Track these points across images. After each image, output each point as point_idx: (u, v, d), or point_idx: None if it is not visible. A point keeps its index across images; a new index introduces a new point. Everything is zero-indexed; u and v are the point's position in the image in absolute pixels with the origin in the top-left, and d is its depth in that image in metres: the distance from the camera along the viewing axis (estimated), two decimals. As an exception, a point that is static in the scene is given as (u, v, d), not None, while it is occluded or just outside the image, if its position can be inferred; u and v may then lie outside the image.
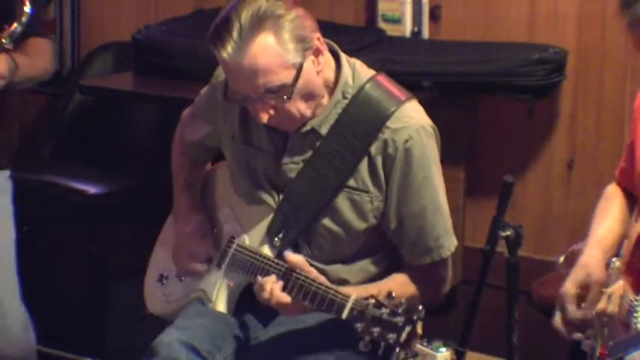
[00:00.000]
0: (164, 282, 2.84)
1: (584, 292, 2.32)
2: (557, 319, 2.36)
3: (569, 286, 2.33)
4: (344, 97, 2.55)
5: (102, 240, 3.81)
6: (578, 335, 2.34)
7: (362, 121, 2.52)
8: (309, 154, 2.56)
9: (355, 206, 2.56)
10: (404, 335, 2.28)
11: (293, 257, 2.49)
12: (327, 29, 3.80)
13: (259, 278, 2.51)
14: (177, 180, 2.85)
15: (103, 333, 3.87)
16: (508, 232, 2.85)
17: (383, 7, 3.97)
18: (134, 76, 4.03)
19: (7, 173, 3.07)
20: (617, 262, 2.34)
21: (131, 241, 3.86)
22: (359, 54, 3.56)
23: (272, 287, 2.47)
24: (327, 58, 2.53)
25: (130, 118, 4.31)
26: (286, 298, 2.46)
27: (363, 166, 2.54)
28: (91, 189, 3.80)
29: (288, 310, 2.50)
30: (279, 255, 2.58)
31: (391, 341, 2.28)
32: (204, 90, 2.79)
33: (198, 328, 2.59)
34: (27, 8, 2.74)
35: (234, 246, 2.66)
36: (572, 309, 2.31)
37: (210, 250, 2.71)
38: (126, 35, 4.11)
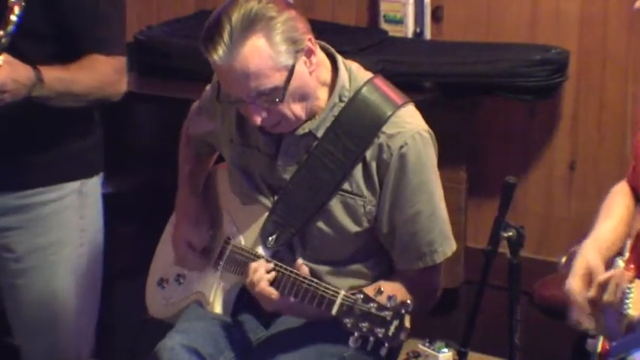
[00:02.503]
0: (164, 286, 2.85)
1: (587, 283, 2.32)
2: (573, 314, 2.34)
3: (572, 280, 2.32)
4: (340, 100, 2.54)
5: (102, 240, 3.81)
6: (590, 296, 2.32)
7: (358, 125, 2.51)
8: (304, 156, 2.56)
9: (348, 210, 2.55)
10: (392, 329, 2.28)
11: (301, 267, 2.48)
12: (330, 30, 3.82)
13: (252, 264, 2.51)
14: (182, 170, 2.86)
15: (104, 333, 3.87)
16: (510, 233, 2.85)
17: (385, 7, 3.98)
18: (136, 77, 4.03)
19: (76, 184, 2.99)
20: (620, 262, 2.34)
21: (132, 241, 3.86)
22: (361, 55, 3.59)
23: (261, 276, 2.47)
24: (322, 59, 2.53)
25: (131, 119, 4.31)
26: (273, 292, 2.46)
27: (358, 170, 2.53)
28: (92, 189, 3.80)
29: (273, 304, 2.50)
30: (274, 255, 2.58)
31: (380, 335, 2.28)
32: (208, 87, 2.80)
33: (200, 331, 2.59)
34: (14, 17, 2.59)
35: (230, 247, 2.67)
36: (582, 296, 2.30)
37: (206, 240, 2.72)
38: (128, 36, 4.10)
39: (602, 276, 2.28)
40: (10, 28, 2.61)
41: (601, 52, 3.72)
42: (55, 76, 2.71)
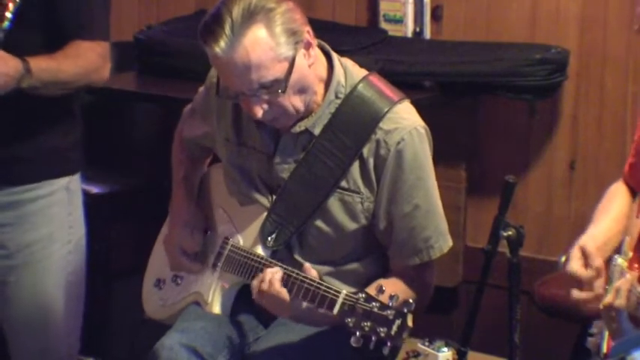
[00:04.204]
0: (161, 287, 2.85)
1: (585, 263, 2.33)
2: (574, 291, 2.33)
3: (571, 263, 2.32)
4: (337, 97, 2.54)
5: (102, 240, 3.80)
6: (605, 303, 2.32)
7: (355, 122, 2.52)
8: (301, 154, 2.56)
9: (346, 207, 2.55)
10: (394, 328, 2.28)
11: (311, 272, 2.47)
12: (329, 29, 3.82)
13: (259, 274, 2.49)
14: (176, 174, 2.86)
15: (104, 333, 3.87)
16: (509, 232, 2.85)
17: (385, 7, 3.98)
18: (136, 76, 4.03)
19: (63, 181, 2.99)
20: (619, 259, 2.35)
21: (131, 241, 3.86)
22: (361, 54, 3.59)
23: (271, 278, 2.46)
24: (319, 55, 2.53)
25: (131, 118, 4.31)
26: (286, 294, 2.45)
27: (355, 167, 2.53)
28: (92, 189, 3.80)
29: (283, 308, 2.49)
30: (273, 255, 2.59)
31: (382, 335, 2.28)
32: (201, 89, 2.80)
33: (199, 330, 2.59)
34: (8, 14, 2.65)
35: (228, 247, 2.67)
36: (583, 271, 2.30)
37: (199, 246, 2.72)
38: (128, 35, 4.11)
39: (616, 283, 2.28)
40: (5, 24, 2.67)
41: (601, 51, 3.72)
42: (42, 66, 2.74)
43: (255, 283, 2.49)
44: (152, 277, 2.88)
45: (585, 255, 2.31)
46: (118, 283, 3.87)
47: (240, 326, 2.66)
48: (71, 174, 2.99)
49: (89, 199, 3.71)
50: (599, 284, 2.30)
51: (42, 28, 2.81)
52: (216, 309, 2.66)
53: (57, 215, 2.97)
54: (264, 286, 2.46)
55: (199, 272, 2.73)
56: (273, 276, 2.46)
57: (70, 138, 2.97)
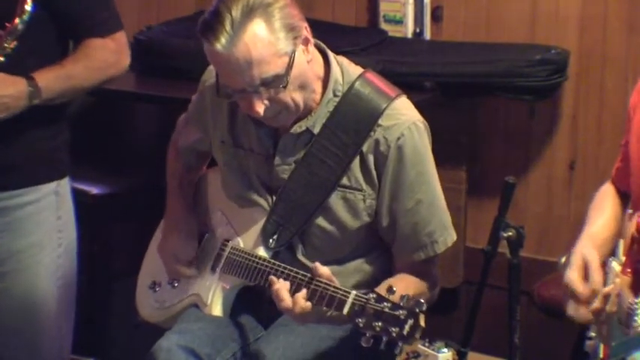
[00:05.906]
0: (156, 289, 2.83)
1: (585, 275, 2.33)
2: (570, 307, 2.34)
3: (571, 272, 2.33)
4: (335, 95, 2.55)
5: (102, 240, 3.80)
6: (593, 308, 2.33)
7: (353, 119, 2.53)
8: (301, 154, 2.56)
9: (348, 205, 2.56)
10: (407, 328, 2.27)
11: (322, 270, 2.44)
12: (329, 30, 3.82)
13: (277, 285, 2.45)
14: (170, 184, 2.85)
15: (103, 333, 3.87)
16: (510, 233, 2.85)
17: (385, 7, 3.98)
18: (136, 77, 4.03)
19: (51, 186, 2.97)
20: (613, 262, 2.35)
21: (131, 241, 3.86)
22: (361, 55, 3.59)
23: (297, 296, 2.43)
24: (315, 53, 2.54)
25: (131, 119, 4.31)
26: (308, 306, 2.43)
27: (356, 164, 2.54)
28: (92, 189, 3.80)
29: (297, 317, 2.47)
30: (275, 256, 2.58)
31: (394, 335, 2.27)
32: (194, 96, 2.80)
33: (197, 332, 2.59)
34: (28, 6, 2.68)
35: (228, 249, 2.66)
36: (581, 288, 2.30)
37: (193, 254, 2.72)
38: (128, 36, 4.09)
39: (605, 288, 2.28)
40: (26, 16, 2.69)
41: (601, 52, 3.72)
42: (50, 77, 2.75)
43: (282, 302, 2.44)
44: (147, 279, 2.87)
45: (587, 266, 2.31)
46: (117, 284, 3.87)
47: (239, 327, 2.66)
48: (59, 178, 2.96)
49: (89, 200, 3.73)
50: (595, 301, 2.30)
51: (56, 27, 2.82)
52: (216, 310, 2.66)
53: (46, 220, 2.95)
54: (297, 309, 2.41)
55: (196, 276, 2.73)
56: (298, 297, 2.41)
57: (57, 141, 2.95)
